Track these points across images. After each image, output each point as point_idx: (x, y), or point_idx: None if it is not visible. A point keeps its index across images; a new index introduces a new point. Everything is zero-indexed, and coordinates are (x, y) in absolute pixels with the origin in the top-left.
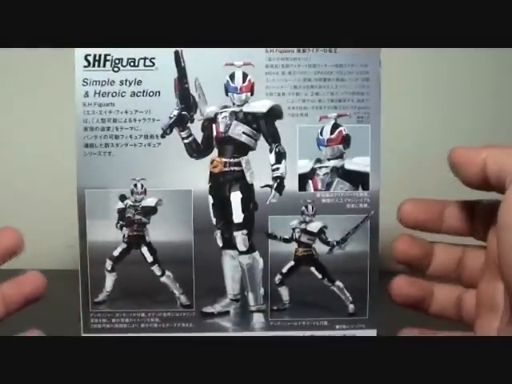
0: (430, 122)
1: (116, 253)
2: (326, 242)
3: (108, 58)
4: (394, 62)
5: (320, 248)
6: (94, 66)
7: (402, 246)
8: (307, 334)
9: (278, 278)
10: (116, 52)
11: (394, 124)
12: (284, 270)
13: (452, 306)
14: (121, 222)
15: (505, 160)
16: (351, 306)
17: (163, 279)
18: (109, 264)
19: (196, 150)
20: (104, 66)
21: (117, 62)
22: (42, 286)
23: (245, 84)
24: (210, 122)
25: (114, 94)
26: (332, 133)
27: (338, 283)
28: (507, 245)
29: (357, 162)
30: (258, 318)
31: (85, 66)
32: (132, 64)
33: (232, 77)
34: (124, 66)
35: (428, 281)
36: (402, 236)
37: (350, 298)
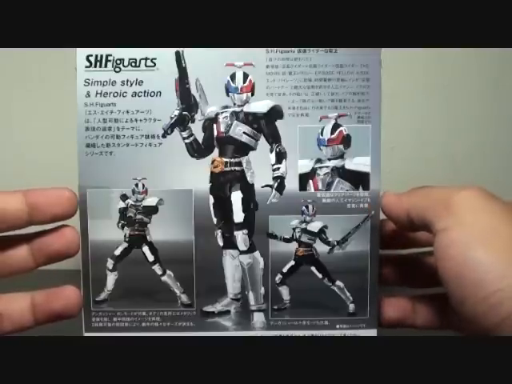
0: (430, 121)
1: (117, 252)
2: (326, 242)
3: (109, 58)
4: (394, 62)
5: (320, 248)
6: (95, 66)
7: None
8: (307, 333)
9: (278, 277)
10: (117, 52)
11: (394, 124)
12: (284, 270)
13: (437, 317)
14: (122, 222)
15: (425, 212)
16: (352, 306)
17: (164, 278)
18: (110, 263)
19: (197, 150)
20: (105, 66)
21: (118, 62)
22: (76, 302)
23: (245, 84)
24: (210, 122)
25: (116, 95)
26: (332, 133)
27: (339, 283)
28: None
29: (357, 162)
30: (258, 318)
31: (86, 67)
32: (133, 64)
33: (233, 77)
34: (125, 67)
35: (410, 298)
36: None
37: (351, 298)
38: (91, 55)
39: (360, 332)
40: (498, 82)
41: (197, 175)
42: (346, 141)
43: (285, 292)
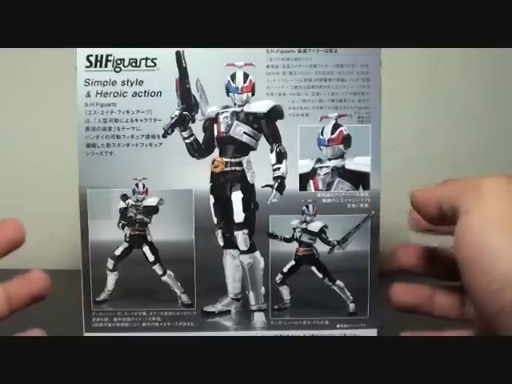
0: (430, 121)
1: (118, 252)
2: (326, 242)
3: (110, 58)
4: (395, 62)
5: (320, 248)
6: (95, 66)
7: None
8: (308, 333)
9: (278, 277)
10: (118, 52)
11: (395, 124)
12: (285, 270)
13: (455, 308)
14: (122, 222)
15: (456, 198)
16: (352, 306)
17: (164, 278)
18: (110, 263)
19: (197, 150)
20: (106, 66)
21: (118, 62)
22: (47, 284)
23: (246, 84)
24: (211, 122)
25: (116, 95)
26: (333, 133)
27: (339, 283)
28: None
29: (357, 162)
30: (258, 317)
31: (87, 67)
32: (134, 64)
33: (233, 77)
34: (126, 67)
35: (428, 285)
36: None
37: (351, 298)
38: (91, 55)
39: (360, 332)
40: (499, 82)
41: (197, 175)
42: (347, 141)
43: (285, 292)
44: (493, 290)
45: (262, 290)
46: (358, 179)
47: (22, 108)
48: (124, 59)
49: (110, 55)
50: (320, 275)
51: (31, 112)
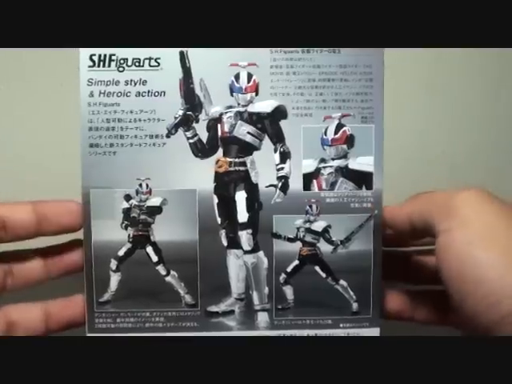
0: (431, 122)
1: (121, 252)
2: (330, 242)
3: (113, 57)
4: (395, 62)
5: (324, 247)
6: (98, 66)
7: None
8: (311, 332)
9: (282, 277)
10: (121, 52)
11: (395, 124)
12: (288, 270)
13: (437, 314)
14: (126, 222)
15: (428, 215)
16: (355, 305)
17: (168, 279)
18: (113, 264)
19: (201, 150)
20: (109, 66)
21: (122, 62)
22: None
23: (250, 84)
24: (215, 122)
25: (119, 94)
26: (336, 133)
27: (342, 282)
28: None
29: (361, 162)
30: (262, 317)
31: (90, 66)
32: (137, 64)
33: (237, 77)
34: (129, 66)
35: (410, 292)
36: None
37: (354, 297)
38: (94, 55)
39: (363, 331)
40: (500, 82)
41: (201, 175)
42: (350, 141)
43: (289, 292)
44: (490, 303)
45: (266, 289)
46: (361, 179)
47: (24, 108)
48: (127, 59)
49: (114, 55)
50: (323, 275)
51: (33, 112)
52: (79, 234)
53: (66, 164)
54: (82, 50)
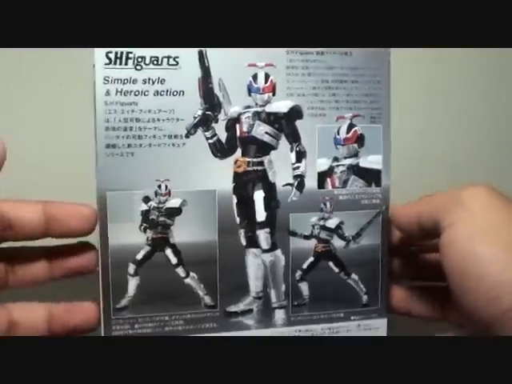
0: (431, 121)
1: (139, 256)
2: (342, 238)
3: (130, 56)
4: (395, 62)
5: (337, 243)
6: (115, 63)
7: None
8: (324, 326)
9: (298, 274)
10: (138, 50)
11: (395, 124)
12: (304, 266)
13: (434, 309)
14: (144, 225)
15: (436, 212)
16: (365, 297)
17: (187, 281)
18: (132, 268)
19: (220, 150)
20: (126, 64)
21: (139, 60)
22: (94, 317)
23: (267, 85)
24: (233, 122)
25: (137, 93)
26: (348, 132)
27: (354, 276)
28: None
29: (371, 160)
30: (279, 315)
31: (106, 64)
32: (155, 62)
33: (255, 77)
34: (147, 65)
35: (407, 287)
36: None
37: (364, 290)
38: (111, 52)
39: (372, 322)
40: (500, 82)
41: (220, 175)
42: (360, 140)
43: (304, 288)
44: (490, 298)
45: (283, 287)
46: (371, 176)
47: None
48: (145, 57)
49: (131, 53)
50: (336, 270)
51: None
52: (91, 238)
53: (66, 164)
54: (96, 49)
